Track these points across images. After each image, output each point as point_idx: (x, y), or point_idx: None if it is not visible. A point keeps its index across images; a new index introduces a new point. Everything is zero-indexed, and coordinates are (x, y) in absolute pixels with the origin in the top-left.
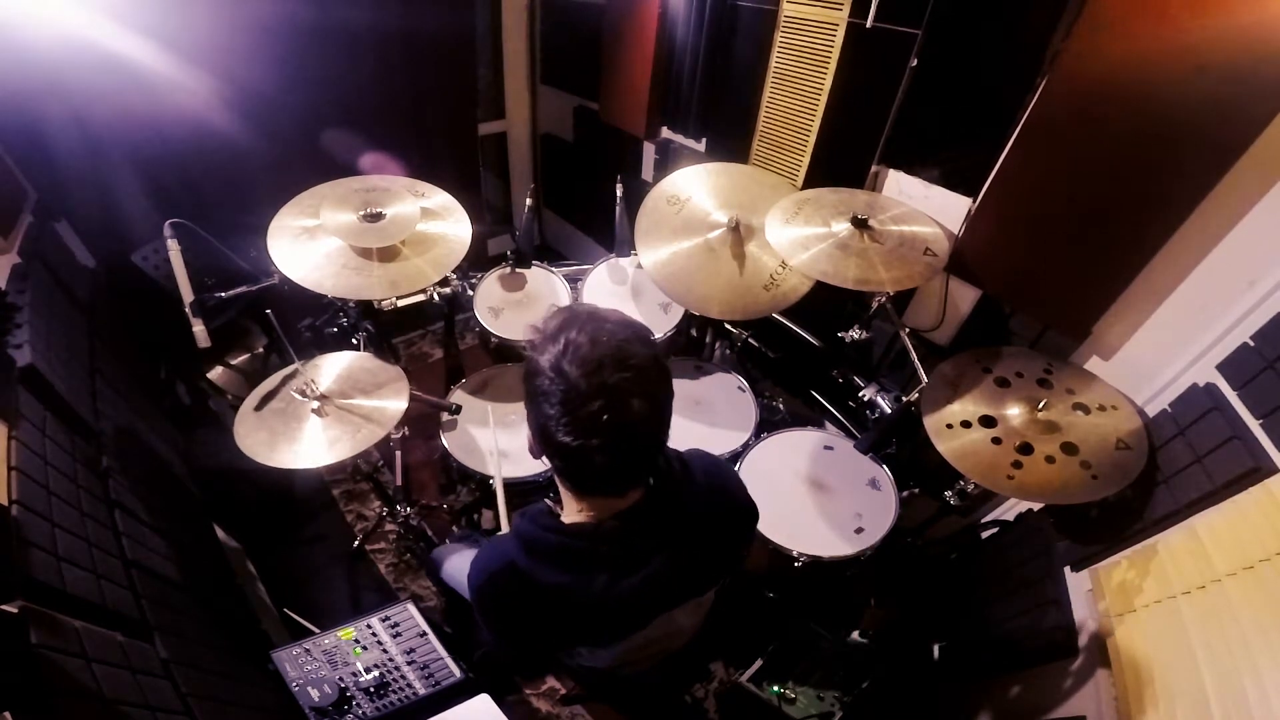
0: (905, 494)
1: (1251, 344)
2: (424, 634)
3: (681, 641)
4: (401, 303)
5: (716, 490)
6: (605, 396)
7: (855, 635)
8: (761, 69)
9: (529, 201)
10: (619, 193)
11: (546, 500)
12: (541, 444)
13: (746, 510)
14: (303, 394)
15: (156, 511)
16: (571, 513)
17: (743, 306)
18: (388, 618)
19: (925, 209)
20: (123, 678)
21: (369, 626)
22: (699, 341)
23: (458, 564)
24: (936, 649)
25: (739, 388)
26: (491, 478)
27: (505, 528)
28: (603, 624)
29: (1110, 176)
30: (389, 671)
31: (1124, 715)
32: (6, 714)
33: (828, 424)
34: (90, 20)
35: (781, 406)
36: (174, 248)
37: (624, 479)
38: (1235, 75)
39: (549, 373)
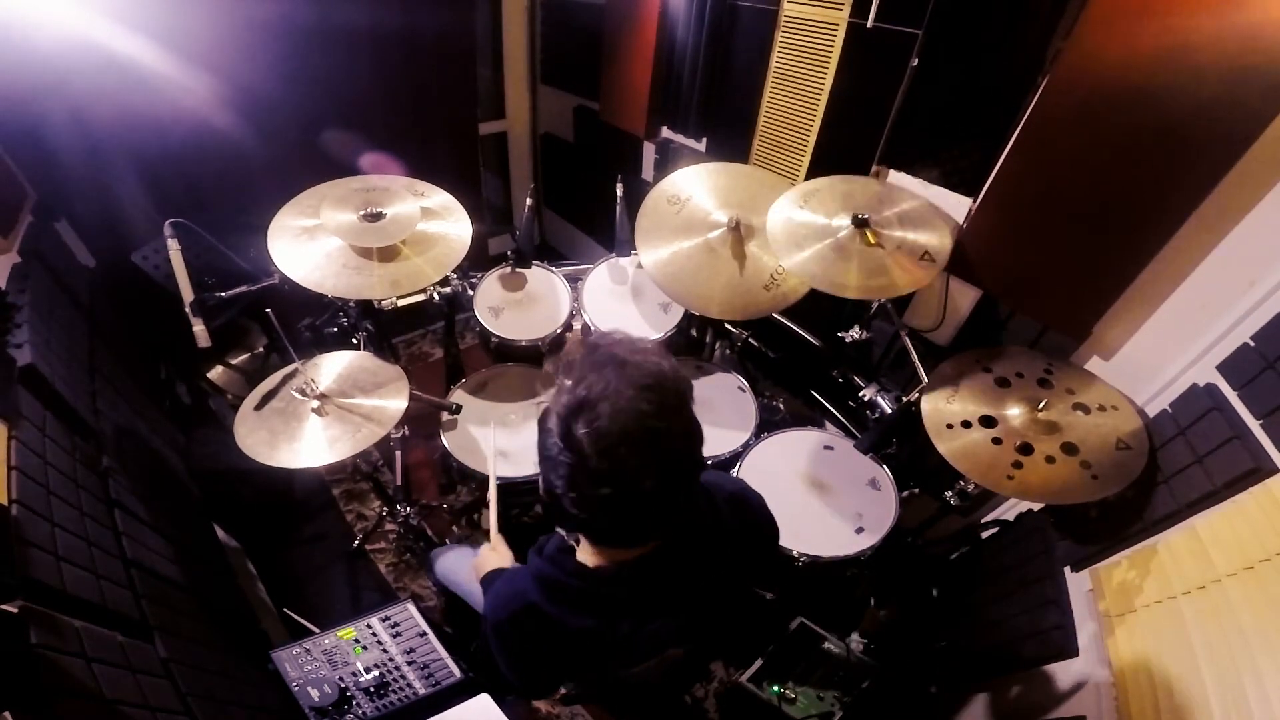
0: (905, 494)
1: (1251, 344)
2: (424, 634)
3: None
4: (401, 302)
5: (744, 525)
6: (616, 480)
7: (855, 636)
8: (762, 69)
9: (529, 201)
10: (619, 192)
11: (559, 531)
12: (548, 499)
13: (769, 534)
14: (303, 393)
15: (156, 511)
16: (588, 553)
17: (743, 306)
18: (388, 618)
19: None
20: (123, 678)
21: (369, 626)
22: (699, 341)
23: (453, 564)
24: (936, 649)
25: (739, 388)
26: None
27: (494, 530)
28: (628, 660)
29: (1111, 177)
30: (389, 671)
31: (1124, 715)
32: (6, 714)
33: (828, 424)
34: (90, 20)
35: (781, 406)
36: (174, 248)
37: (634, 539)
38: (1236, 75)
39: (559, 439)
